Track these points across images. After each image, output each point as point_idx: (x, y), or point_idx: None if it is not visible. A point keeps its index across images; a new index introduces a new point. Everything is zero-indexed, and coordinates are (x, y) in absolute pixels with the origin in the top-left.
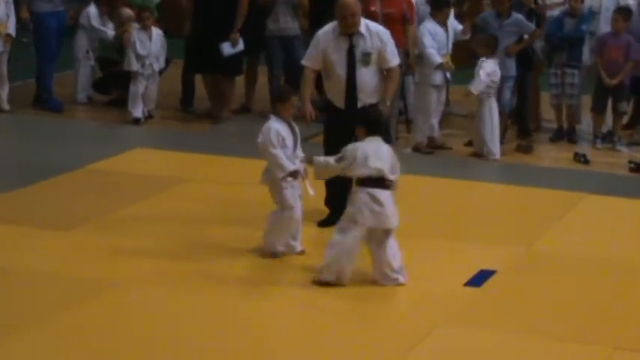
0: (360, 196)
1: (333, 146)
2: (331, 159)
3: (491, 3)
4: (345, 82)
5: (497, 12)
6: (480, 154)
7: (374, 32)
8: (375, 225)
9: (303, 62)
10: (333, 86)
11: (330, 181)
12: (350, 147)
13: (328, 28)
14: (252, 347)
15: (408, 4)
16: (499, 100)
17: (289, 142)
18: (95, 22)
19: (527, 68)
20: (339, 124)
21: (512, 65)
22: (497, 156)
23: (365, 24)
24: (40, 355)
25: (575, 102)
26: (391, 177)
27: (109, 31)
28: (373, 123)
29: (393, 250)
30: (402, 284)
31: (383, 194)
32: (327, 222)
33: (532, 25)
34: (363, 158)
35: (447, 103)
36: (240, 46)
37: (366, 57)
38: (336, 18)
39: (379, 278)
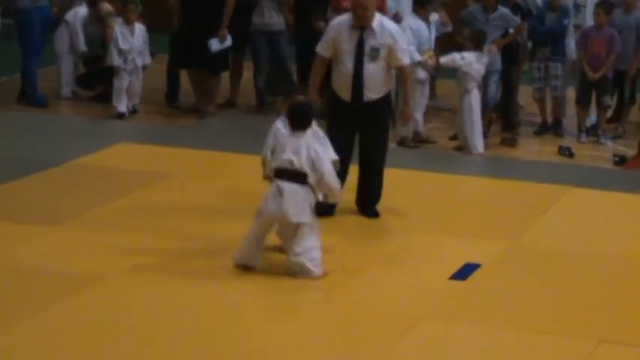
0: (271, 186)
1: (336, 139)
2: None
3: None
4: (352, 75)
5: (484, 6)
6: (463, 147)
7: (386, 29)
8: (275, 215)
9: (317, 49)
10: (340, 77)
11: None
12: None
13: (344, 17)
14: (236, 342)
15: None
16: (484, 94)
17: None
18: (79, 25)
19: (511, 62)
20: (343, 116)
21: (497, 59)
22: (480, 150)
23: (380, 20)
24: (29, 350)
25: (559, 94)
26: (310, 173)
27: (82, 47)
28: (297, 117)
29: (304, 244)
30: (316, 276)
31: (290, 187)
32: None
33: (517, 19)
34: (280, 150)
35: (433, 96)
36: (228, 42)
37: (375, 52)
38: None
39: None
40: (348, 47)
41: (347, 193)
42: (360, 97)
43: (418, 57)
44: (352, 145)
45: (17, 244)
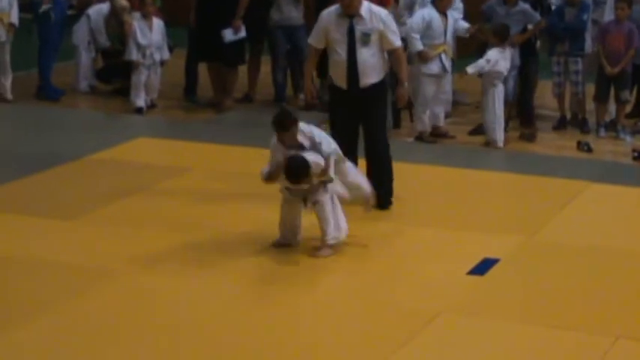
0: None
1: (338, 127)
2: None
3: None
4: (346, 61)
5: (504, 0)
6: (489, 142)
7: (375, 14)
8: None
9: (309, 40)
10: (335, 66)
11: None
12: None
13: (332, 8)
14: (255, 333)
15: None
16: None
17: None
18: (102, 21)
19: (529, 56)
20: (343, 104)
21: (515, 55)
22: (500, 144)
23: (367, 6)
24: (45, 343)
25: (580, 89)
26: None
27: (105, 42)
28: (278, 126)
29: None
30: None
31: None
32: None
33: (537, 15)
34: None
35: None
36: (242, 33)
37: (366, 37)
38: None
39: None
40: (339, 36)
41: None
42: (356, 83)
43: (420, 47)
44: (357, 134)
45: (34, 238)
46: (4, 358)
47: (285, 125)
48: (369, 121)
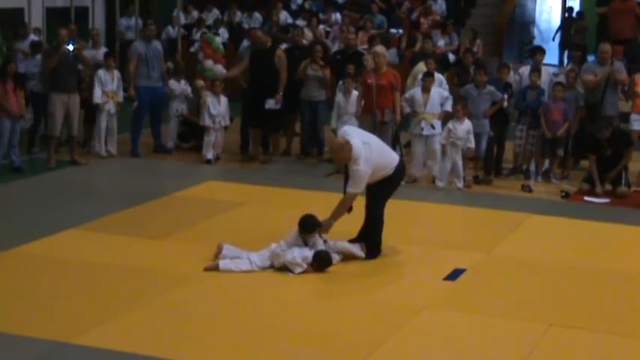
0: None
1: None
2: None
3: (472, 78)
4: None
5: (476, 84)
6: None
7: (353, 159)
8: None
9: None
10: None
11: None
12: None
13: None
14: (279, 324)
15: (395, 77)
16: (477, 149)
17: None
18: (178, 91)
19: (502, 125)
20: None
21: (486, 124)
22: (460, 185)
23: (357, 155)
24: (141, 327)
25: (533, 149)
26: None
27: (189, 94)
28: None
29: None
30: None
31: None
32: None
33: (500, 94)
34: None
35: None
36: (279, 105)
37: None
38: None
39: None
40: None
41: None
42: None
43: (405, 110)
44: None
45: (136, 252)
46: (114, 338)
47: (314, 229)
48: (370, 196)
